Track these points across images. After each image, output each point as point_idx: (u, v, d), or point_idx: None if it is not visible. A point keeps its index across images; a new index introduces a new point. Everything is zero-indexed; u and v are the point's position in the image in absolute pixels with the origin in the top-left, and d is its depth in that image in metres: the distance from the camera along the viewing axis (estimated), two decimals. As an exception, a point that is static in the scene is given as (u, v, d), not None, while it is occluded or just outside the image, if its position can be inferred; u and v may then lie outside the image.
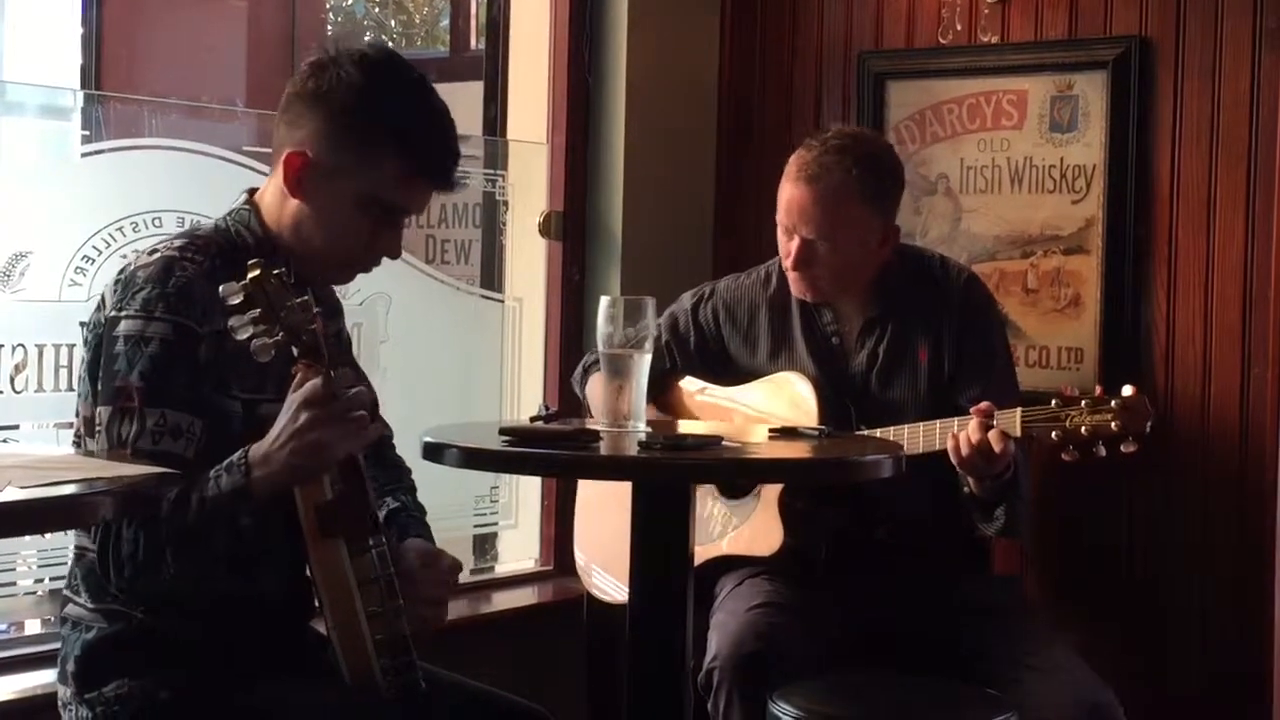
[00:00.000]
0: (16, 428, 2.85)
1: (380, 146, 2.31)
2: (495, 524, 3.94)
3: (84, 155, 3.10)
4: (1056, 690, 2.89)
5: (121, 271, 2.29)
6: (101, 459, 2.13)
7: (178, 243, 2.31)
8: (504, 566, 3.99)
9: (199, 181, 3.11)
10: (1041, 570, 3.61)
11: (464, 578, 3.81)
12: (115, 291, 2.26)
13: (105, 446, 2.18)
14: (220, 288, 2.04)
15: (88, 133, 3.13)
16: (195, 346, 2.18)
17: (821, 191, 3.08)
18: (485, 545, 3.98)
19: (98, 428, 2.20)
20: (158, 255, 2.27)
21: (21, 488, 1.73)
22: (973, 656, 3.00)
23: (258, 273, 2.02)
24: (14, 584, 2.92)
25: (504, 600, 3.84)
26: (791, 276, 3.18)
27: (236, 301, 2.01)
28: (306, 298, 2.06)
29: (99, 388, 2.22)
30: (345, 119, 2.31)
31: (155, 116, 3.22)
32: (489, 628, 3.69)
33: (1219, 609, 3.51)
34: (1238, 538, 3.48)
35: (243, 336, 2.01)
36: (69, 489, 1.77)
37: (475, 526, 3.92)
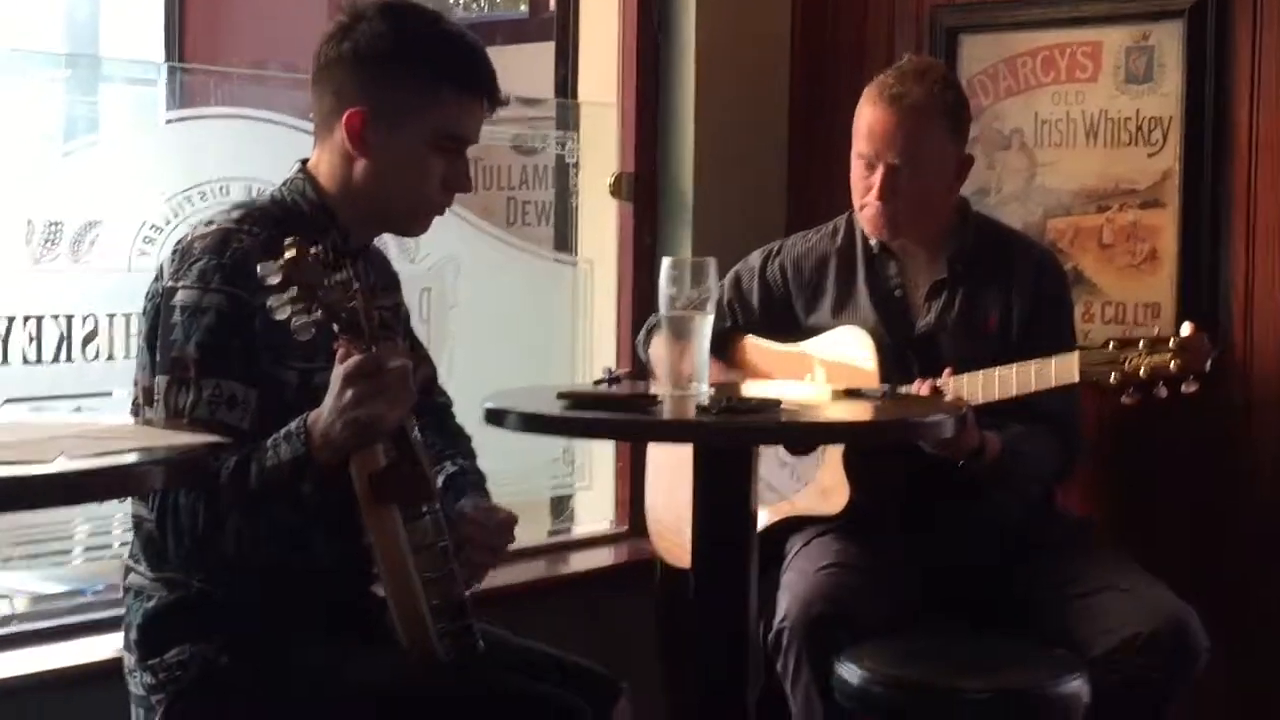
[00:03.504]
0: (109, 394, 2.88)
1: (430, 81, 2.35)
2: (570, 486, 3.95)
3: (167, 123, 3.16)
4: (1136, 605, 2.89)
5: (179, 243, 2.32)
6: (159, 428, 2.16)
7: (235, 214, 2.33)
8: (580, 528, 4.00)
9: (269, 150, 3.13)
10: (1117, 521, 3.56)
11: (540, 539, 3.88)
12: (173, 262, 2.29)
13: (162, 416, 2.21)
14: (258, 267, 2.06)
15: (170, 101, 3.18)
16: (251, 317, 2.20)
17: (906, 110, 3.07)
18: (561, 508, 4.00)
19: (155, 397, 2.23)
20: (214, 227, 2.29)
21: (73, 458, 1.76)
22: (1047, 591, 2.99)
23: (294, 252, 2.03)
24: (109, 546, 2.97)
25: (580, 562, 3.86)
26: (869, 213, 3.15)
27: (274, 281, 2.03)
28: (346, 275, 2.08)
29: (156, 358, 2.25)
30: (389, 66, 2.35)
31: (227, 86, 3.25)
32: (565, 589, 3.72)
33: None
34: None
35: (281, 316, 2.03)
36: (120, 459, 1.79)
37: (551, 489, 3.94)
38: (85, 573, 3.05)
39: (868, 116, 3.12)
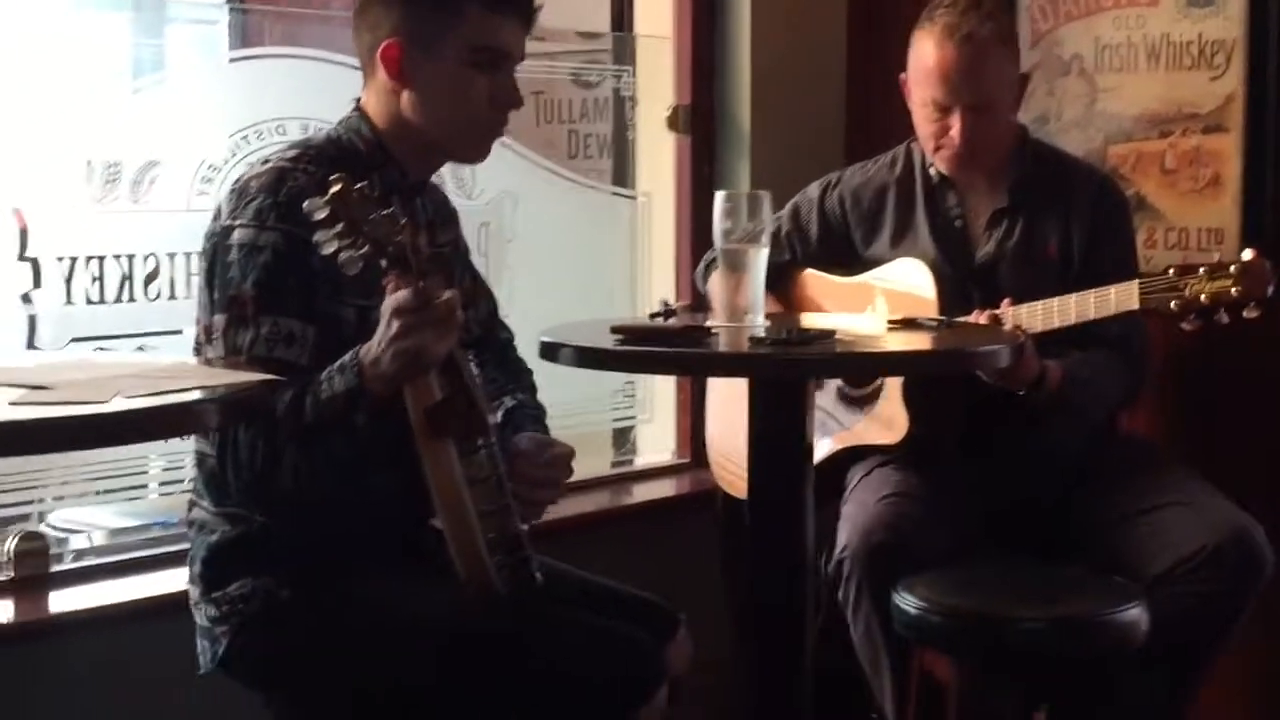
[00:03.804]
0: (179, 332, 2.90)
1: (458, 1, 2.36)
2: (633, 418, 3.98)
3: (230, 62, 3.19)
4: (1199, 518, 2.89)
5: (236, 182, 2.34)
6: (218, 366, 2.19)
7: (290, 153, 2.35)
8: (642, 459, 4.02)
9: (328, 89, 3.13)
10: (1180, 447, 3.54)
11: (603, 471, 3.90)
12: (229, 201, 2.31)
13: (221, 354, 2.24)
14: (305, 203, 2.08)
15: (233, 41, 3.20)
16: (308, 255, 2.20)
17: (976, 49, 3.04)
18: (623, 439, 4.02)
19: (214, 336, 2.26)
20: (270, 165, 2.32)
21: (129, 397, 1.79)
22: (1109, 513, 2.99)
23: (339, 187, 2.05)
24: (182, 481, 2.99)
25: (642, 493, 3.89)
26: (949, 154, 3.12)
27: (321, 216, 2.04)
28: (393, 209, 2.09)
29: (215, 296, 2.28)
30: None
31: (287, 26, 3.27)
32: (628, 520, 3.75)
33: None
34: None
35: (328, 251, 2.05)
36: (176, 398, 1.82)
37: (613, 421, 3.96)
38: (161, 507, 3.10)
39: (934, 58, 3.06)
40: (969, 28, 3.03)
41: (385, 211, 2.07)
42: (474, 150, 2.52)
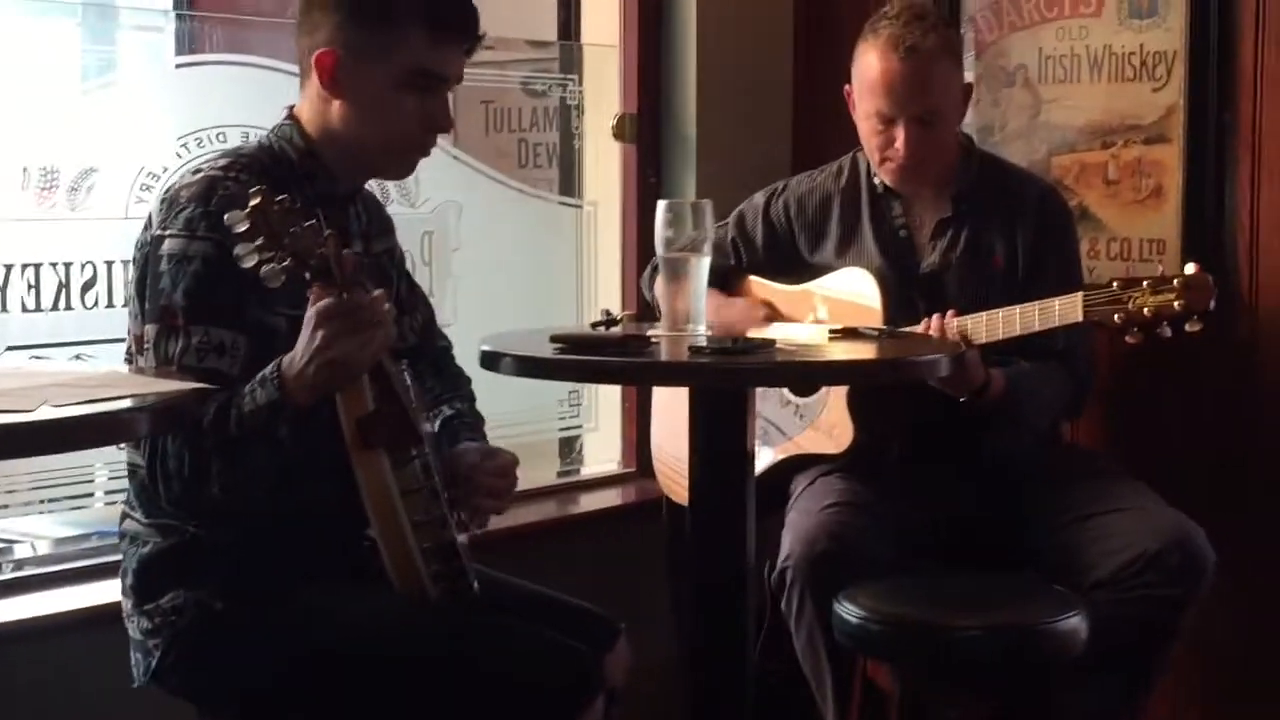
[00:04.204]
0: (120, 340, 2.86)
1: (399, 16, 2.35)
2: (579, 427, 3.97)
3: (177, 68, 3.15)
4: (1141, 523, 2.91)
5: (166, 191, 2.33)
6: (149, 376, 2.18)
7: (221, 161, 2.34)
8: (588, 469, 4.02)
9: (271, 97, 3.12)
10: (1125, 457, 3.56)
11: (549, 480, 3.90)
12: (160, 210, 2.30)
13: (153, 364, 2.23)
14: (225, 216, 2.06)
15: (179, 47, 3.17)
16: (239, 264, 2.20)
17: (921, 60, 3.04)
18: (569, 448, 4.01)
19: (146, 345, 2.25)
20: (201, 174, 2.30)
21: (57, 406, 1.78)
22: (1053, 520, 3.00)
23: (259, 200, 2.03)
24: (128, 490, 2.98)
25: (589, 502, 3.88)
26: (893, 167, 3.13)
27: (242, 230, 2.03)
28: (314, 222, 2.08)
29: (146, 306, 2.27)
30: (359, 4, 2.36)
31: (232, 33, 3.25)
32: (574, 530, 3.74)
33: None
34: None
35: (248, 264, 2.03)
36: (103, 407, 1.81)
37: (559, 430, 3.95)
38: (107, 516, 3.07)
39: (878, 70, 3.06)
40: (913, 40, 3.03)
41: (307, 224, 2.05)
42: (397, 168, 2.52)
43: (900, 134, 3.07)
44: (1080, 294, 2.87)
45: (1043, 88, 3.72)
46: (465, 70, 2.46)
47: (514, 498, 2.56)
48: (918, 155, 3.09)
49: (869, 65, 3.08)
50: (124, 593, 2.38)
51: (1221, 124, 3.48)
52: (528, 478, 3.68)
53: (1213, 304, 2.81)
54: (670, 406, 3.44)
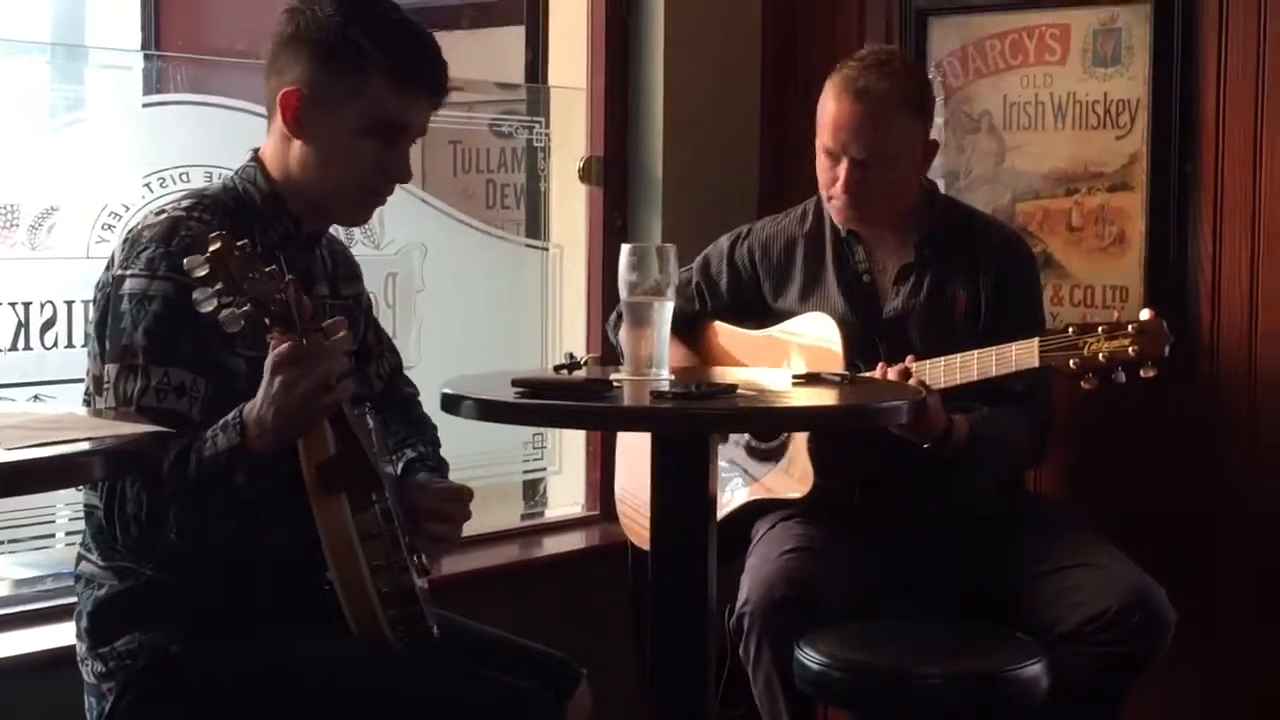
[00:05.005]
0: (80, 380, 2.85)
1: (367, 65, 2.34)
2: (543, 470, 3.96)
3: (144, 107, 3.16)
4: (1103, 580, 2.91)
5: (130, 231, 2.32)
6: (108, 417, 2.16)
7: (185, 202, 2.33)
8: (552, 512, 4.01)
9: (237, 137, 3.11)
10: (1087, 504, 3.57)
11: (513, 523, 3.88)
12: (122, 250, 2.29)
13: (112, 404, 2.21)
14: (184, 261, 2.06)
15: (146, 88, 3.18)
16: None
17: (869, 104, 3.06)
18: (533, 491, 4.01)
19: (105, 385, 2.23)
20: (164, 215, 2.29)
21: (9, 449, 1.76)
22: (1015, 571, 3.01)
23: (218, 245, 2.01)
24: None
25: (552, 545, 3.87)
26: (838, 204, 3.15)
27: (201, 275, 2.02)
28: (273, 267, 2.07)
29: (106, 346, 2.25)
30: (328, 49, 2.35)
31: (198, 74, 3.25)
32: (538, 573, 3.73)
33: (1269, 550, 3.47)
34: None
35: (207, 309, 2.02)
36: (59, 449, 1.79)
37: (524, 473, 3.94)
38: (65, 558, 3.04)
39: (831, 110, 3.11)
40: (865, 83, 3.06)
41: (267, 269, 2.05)
42: (352, 214, 2.51)
43: (842, 173, 3.09)
44: (1037, 340, 2.89)
45: (1007, 134, 3.74)
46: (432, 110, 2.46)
47: (465, 537, 2.54)
48: (857, 196, 3.11)
49: (824, 102, 3.14)
50: (79, 635, 2.35)
51: (1184, 172, 3.51)
52: (491, 520, 3.73)
53: (1168, 350, 2.83)
54: (634, 450, 3.43)
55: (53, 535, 3.02)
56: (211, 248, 2.01)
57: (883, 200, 3.14)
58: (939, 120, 3.70)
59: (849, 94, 3.07)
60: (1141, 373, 2.81)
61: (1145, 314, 2.85)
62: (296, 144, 2.37)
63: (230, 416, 2.14)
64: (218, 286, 2.00)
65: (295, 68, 2.37)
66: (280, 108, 2.36)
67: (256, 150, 2.44)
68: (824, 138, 3.12)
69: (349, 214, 2.51)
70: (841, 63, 3.15)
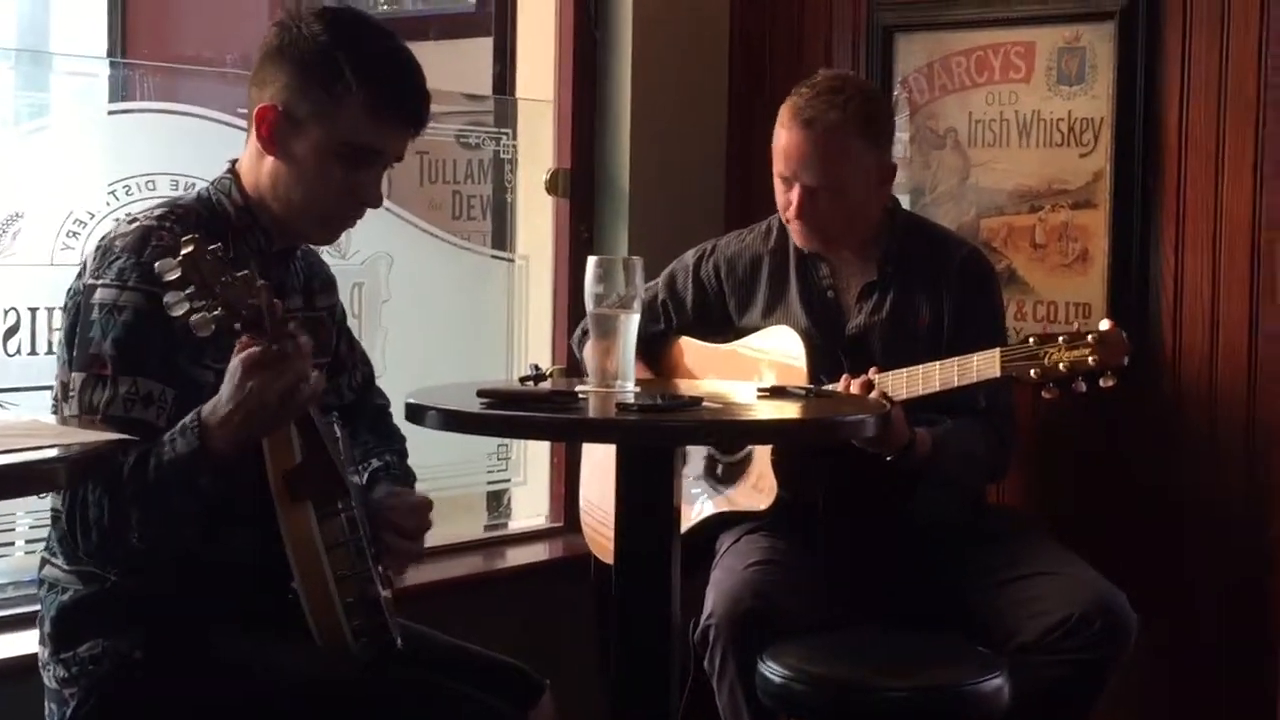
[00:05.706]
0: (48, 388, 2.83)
1: (345, 88, 2.33)
2: (507, 481, 3.96)
3: (109, 114, 3.14)
4: (1064, 588, 2.93)
5: (102, 240, 2.32)
6: (74, 424, 2.16)
7: (157, 212, 2.33)
8: (516, 523, 4.00)
9: (202, 146, 3.11)
10: (1049, 515, 3.59)
11: (477, 534, 3.88)
12: (94, 259, 2.28)
13: (76, 412, 2.20)
14: (156, 264, 2.05)
15: (113, 95, 3.17)
16: (169, 317, 2.18)
17: (819, 133, 3.07)
18: (497, 502, 4.00)
19: (71, 393, 2.23)
20: (136, 225, 2.29)
21: (-27, 456, 1.76)
22: (977, 581, 3.03)
23: (191, 249, 2.01)
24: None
25: (516, 556, 3.86)
26: (794, 227, 3.17)
27: (173, 278, 2.01)
28: (247, 272, 2.07)
29: (74, 354, 2.25)
30: (309, 67, 2.34)
31: (164, 81, 3.24)
32: (501, 584, 3.72)
33: (1230, 561, 3.50)
34: (1246, 489, 3.47)
35: (178, 313, 2.01)
36: (21, 456, 1.78)
37: (488, 483, 3.94)
38: (25, 565, 3.04)
39: (782, 139, 3.12)
40: (814, 113, 3.07)
41: (240, 274, 2.05)
42: (319, 234, 2.50)
43: (795, 198, 3.11)
44: (998, 350, 2.91)
45: (972, 151, 3.77)
46: None
47: (428, 547, 2.54)
48: (812, 220, 3.13)
49: (777, 129, 3.15)
50: (41, 640, 2.34)
51: (1147, 190, 3.54)
52: (454, 531, 3.72)
53: (1127, 359, 2.85)
54: (599, 462, 3.43)
55: (12, 544, 3.00)
56: (184, 251, 2.01)
57: (839, 224, 3.15)
58: (904, 136, 3.75)
59: (798, 123, 3.09)
60: (1101, 382, 2.83)
61: (1104, 324, 2.87)
62: (269, 160, 2.37)
63: (188, 420, 2.14)
64: (189, 290, 2.00)
65: (275, 83, 2.36)
66: (256, 122, 2.36)
67: (234, 161, 2.44)
68: (777, 164, 3.14)
69: (316, 234, 2.49)
70: (795, 88, 3.15)
